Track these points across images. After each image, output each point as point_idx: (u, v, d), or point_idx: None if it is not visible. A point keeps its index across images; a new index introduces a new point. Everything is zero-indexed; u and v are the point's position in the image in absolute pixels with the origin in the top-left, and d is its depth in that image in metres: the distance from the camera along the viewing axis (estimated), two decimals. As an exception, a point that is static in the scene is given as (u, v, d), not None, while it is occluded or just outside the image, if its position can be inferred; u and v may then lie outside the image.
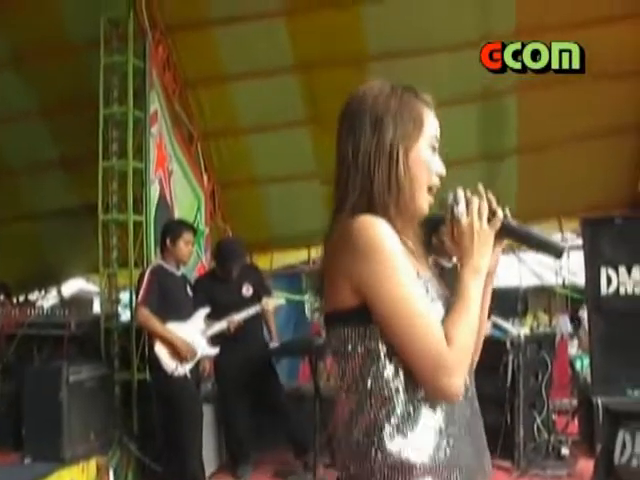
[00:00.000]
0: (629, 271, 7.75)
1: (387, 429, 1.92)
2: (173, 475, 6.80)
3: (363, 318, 1.96)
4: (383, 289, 1.91)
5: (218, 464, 7.90)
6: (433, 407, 1.95)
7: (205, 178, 10.80)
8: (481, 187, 2.11)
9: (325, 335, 2.13)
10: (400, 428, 1.92)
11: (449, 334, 1.92)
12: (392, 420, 1.93)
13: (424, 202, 2.12)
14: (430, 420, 1.95)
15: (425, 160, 2.10)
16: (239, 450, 7.78)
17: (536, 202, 9.99)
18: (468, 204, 2.09)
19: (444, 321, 1.96)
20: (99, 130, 8.17)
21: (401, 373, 1.95)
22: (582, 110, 9.63)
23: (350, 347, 1.99)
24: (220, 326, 7.25)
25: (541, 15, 8.75)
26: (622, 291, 7.78)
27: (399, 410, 1.93)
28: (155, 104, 8.73)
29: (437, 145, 2.15)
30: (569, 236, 11.08)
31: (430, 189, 2.13)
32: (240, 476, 7.58)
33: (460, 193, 2.11)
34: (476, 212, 2.07)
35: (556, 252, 2.14)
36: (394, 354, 1.95)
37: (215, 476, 7.62)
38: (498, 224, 2.08)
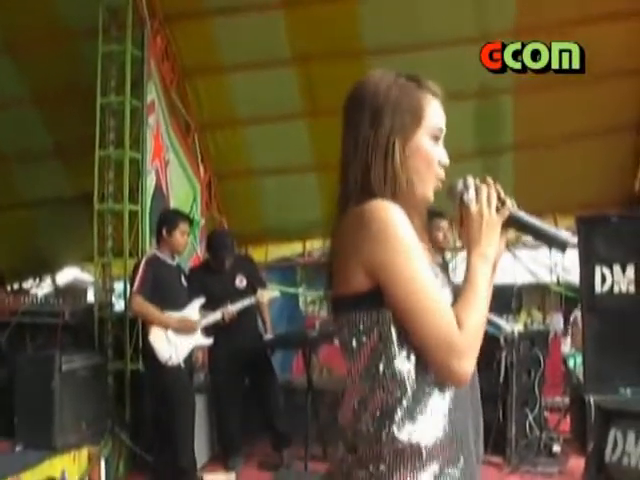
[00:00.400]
0: (623, 270, 7.73)
1: (399, 413, 1.95)
2: (165, 465, 6.81)
3: (375, 302, 1.97)
4: (396, 271, 1.93)
5: (210, 455, 7.92)
6: (442, 391, 1.99)
7: (201, 169, 10.78)
8: (489, 178, 2.13)
9: (334, 321, 2.13)
10: (410, 412, 1.95)
11: (459, 318, 1.94)
12: (403, 404, 1.95)
13: (427, 191, 2.14)
14: (439, 404, 1.98)
15: (425, 150, 2.11)
16: (230, 442, 7.79)
17: (532, 199, 9.81)
18: (478, 191, 2.10)
19: (454, 306, 1.98)
20: (96, 119, 8.16)
21: (412, 357, 1.98)
22: (579, 108, 9.63)
23: (362, 331, 2.01)
24: (214, 317, 7.26)
25: (540, 12, 8.74)
26: (616, 290, 7.76)
27: (410, 394, 1.96)
28: (152, 94, 8.73)
29: (441, 135, 2.15)
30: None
31: (436, 178, 2.14)
32: (231, 467, 7.58)
33: (470, 180, 2.12)
34: (485, 200, 2.09)
35: (560, 245, 2.15)
36: (406, 338, 1.96)
37: (206, 467, 7.63)
38: (506, 213, 2.10)
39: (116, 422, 7.31)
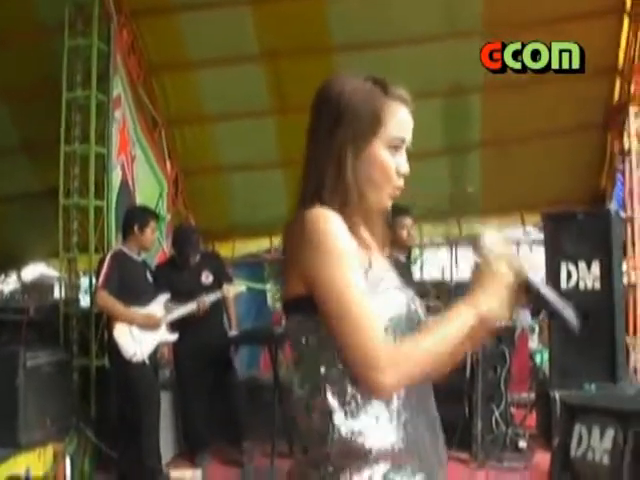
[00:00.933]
0: (589, 266, 7.77)
1: (342, 415, 1.93)
2: (130, 462, 6.79)
3: (313, 307, 1.96)
4: (322, 278, 1.92)
5: (176, 451, 7.89)
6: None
7: (168, 165, 10.72)
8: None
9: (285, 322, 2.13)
10: (354, 414, 1.93)
11: (406, 339, 1.93)
12: (346, 406, 1.93)
13: (382, 201, 2.11)
14: (385, 406, 1.95)
15: (380, 160, 2.07)
16: (197, 438, 7.76)
17: (499, 196, 10.03)
18: (501, 254, 2.05)
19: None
20: (62, 114, 8.11)
21: None
22: (545, 106, 9.68)
23: (304, 334, 2.01)
24: (191, 307, 7.27)
25: (507, 10, 8.77)
26: (582, 286, 7.81)
27: (352, 396, 1.94)
28: (119, 89, 8.68)
29: (402, 145, 2.11)
30: (531, 230, 11.16)
31: (393, 187, 2.11)
32: (198, 464, 7.55)
33: (497, 236, 2.08)
34: (506, 259, 2.04)
35: (569, 326, 2.11)
36: None
37: (173, 463, 7.60)
38: (523, 277, 2.03)
39: (81, 419, 7.25)
